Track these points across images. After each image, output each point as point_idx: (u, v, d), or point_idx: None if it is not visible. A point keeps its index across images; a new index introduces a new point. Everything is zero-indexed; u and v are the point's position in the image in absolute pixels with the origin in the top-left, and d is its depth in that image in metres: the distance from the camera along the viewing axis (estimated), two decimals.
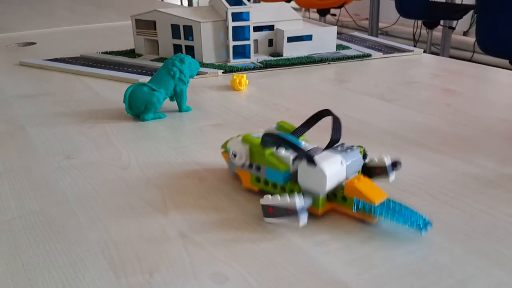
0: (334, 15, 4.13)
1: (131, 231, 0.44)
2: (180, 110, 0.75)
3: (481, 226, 0.44)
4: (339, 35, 1.23)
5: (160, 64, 1.00)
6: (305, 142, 0.50)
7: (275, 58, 1.04)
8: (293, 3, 3.29)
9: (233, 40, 1.00)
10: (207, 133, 0.67)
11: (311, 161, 0.43)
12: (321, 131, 0.57)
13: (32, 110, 0.78)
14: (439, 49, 2.99)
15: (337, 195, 0.44)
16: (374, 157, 0.49)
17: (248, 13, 0.99)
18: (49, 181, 0.54)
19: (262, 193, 0.49)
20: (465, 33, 3.52)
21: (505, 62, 1.89)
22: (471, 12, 2.85)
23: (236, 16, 0.99)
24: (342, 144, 0.47)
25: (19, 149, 0.63)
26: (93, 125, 0.70)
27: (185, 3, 4.90)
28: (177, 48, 1.04)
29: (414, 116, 0.72)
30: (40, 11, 1.97)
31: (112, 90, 0.88)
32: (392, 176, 0.48)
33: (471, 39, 3.25)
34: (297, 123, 0.53)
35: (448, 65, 1.02)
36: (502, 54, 1.84)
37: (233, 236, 0.43)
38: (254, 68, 0.98)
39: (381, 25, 3.46)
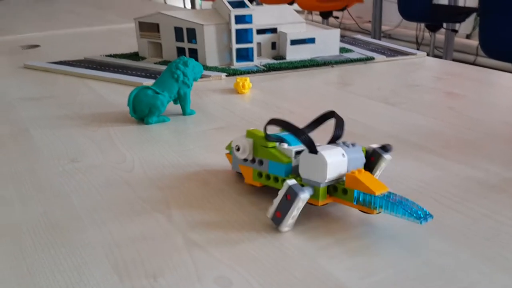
0: (336, 17, 4.13)
1: (135, 235, 0.44)
2: (183, 113, 0.75)
3: (485, 230, 0.44)
4: (342, 38, 1.23)
5: (163, 67, 1.00)
6: None
7: (278, 61, 1.04)
8: (295, 6, 3.30)
9: (236, 43, 1.00)
10: (210, 136, 0.67)
11: (312, 148, 0.43)
12: (327, 133, 0.57)
13: (36, 113, 0.78)
14: (442, 52, 2.99)
15: (338, 188, 0.44)
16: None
17: (251, 16, 0.99)
18: (54, 184, 0.54)
19: (265, 192, 0.49)
20: (468, 36, 3.52)
21: (508, 65, 1.89)
22: (474, 15, 2.84)
23: (239, 19, 0.99)
24: (345, 141, 0.47)
25: (23, 152, 0.63)
26: (97, 128, 0.71)
27: (188, 6, 4.91)
28: (180, 51, 1.04)
29: (417, 119, 0.72)
30: (44, 14, 1.97)
31: (116, 93, 0.88)
32: (388, 155, 0.48)
33: (474, 42, 3.25)
34: (300, 126, 0.53)
35: (451, 68, 1.02)
36: (505, 57, 1.84)
37: (237, 239, 0.43)
38: (257, 71, 0.99)
39: (383, 27, 3.46)
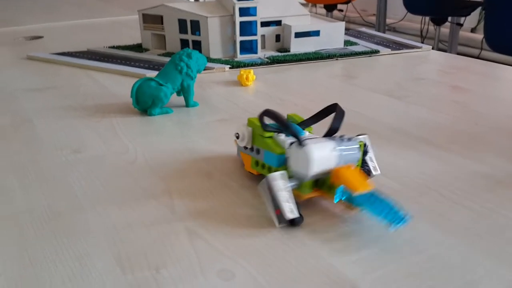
0: (341, 10, 4.11)
1: (138, 226, 0.44)
2: (187, 105, 0.75)
3: (490, 226, 0.43)
4: (347, 31, 1.22)
5: (167, 59, 1.00)
6: (309, 132, 0.50)
7: (282, 54, 1.03)
8: None
9: (240, 35, 0.99)
10: (214, 128, 0.67)
11: (299, 141, 0.43)
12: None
13: (39, 104, 0.78)
14: (446, 45, 2.98)
15: (326, 182, 0.44)
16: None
17: (255, 8, 0.99)
18: (56, 175, 0.54)
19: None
20: (473, 30, 3.50)
21: None
22: (479, 8, 2.83)
23: (244, 11, 0.98)
24: (343, 135, 0.46)
25: (26, 143, 0.63)
26: (100, 120, 0.70)
27: None
28: (184, 43, 1.04)
29: (422, 113, 0.71)
30: (47, 5, 1.97)
31: (119, 84, 0.88)
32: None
33: (479, 36, 3.23)
34: (304, 118, 0.53)
35: (456, 62, 1.01)
36: (510, 51, 1.83)
37: (240, 232, 0.42)
38: (261, 63, 0.98)
39: (388, 21, 3.44)
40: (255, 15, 0.99)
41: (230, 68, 0.96)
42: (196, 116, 0.71)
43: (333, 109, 0.48)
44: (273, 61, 0.99)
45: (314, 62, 1.01)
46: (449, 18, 2.77)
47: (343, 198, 0.42)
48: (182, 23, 1.02)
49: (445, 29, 3.01)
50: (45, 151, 0.60)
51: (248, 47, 1.04)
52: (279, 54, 1.03)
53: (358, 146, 0.46)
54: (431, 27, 3.48)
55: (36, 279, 0.37)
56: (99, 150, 0.60)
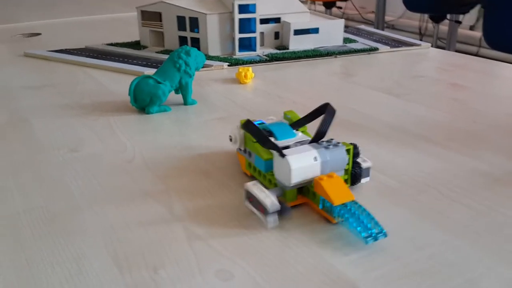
0: (340, 8, 4.10)
1: (136, 226, 0.43)
2: (185, 103, 0.74)
3: (489, 224, 0.43)
4: (346, 28, 1.22)
5: (165, 56, 0.99)
6: (302, 133, 0.50)
7: (281, 51, 1.03)
8: None
9: (239, 32, 0.99)
10: (212, 126, 0.66)
11: (280, 152, 0.43)
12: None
13: (36, 102, 0.77)
14: (445, 43, 2.97)
15: (310, 190, 0.44)
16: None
17: (254, 5, 0.98)
18: (54, 174, 0.53)
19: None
20: (471, 28, 3.49)
21: (511, 57, 1.87)
22: (478, 6, 2.82)
23: (243, 8, 0.98)
24: (331, 139, 0.46)
25: (23, 142, 0.62)
26: (98, 118, 0.70)
27: None
28: (182, 40, 1.03)
29: (421, 110, 0.71)
30: (45, 2, 1.96)
31: (117, 82, 0.87)
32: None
33: (477, 33, 3.23)
34: (301, 116, 0.53)
35: (455, 59, 1.01)
36: (509, 49, 1.82)
37: (239, 232, 0.42)
38: (260, 61, 0.98)
39: (387, 18, 3.43)
40: (254, 12, 0.99)
41: (228, 65, 0.96)
42: (194, 114, 0.71)
43: (324, 109, 0.47)
44: (272, 58, 0.98)
45: (313, 60, 1.01)
46: (448, 16, 2.77)
47: (326, 205, 0.43)
48: (180, 20, 1.02)
49: (443, 26, 3.01)
50: (42, 150, 0.60)
51: (247, 44, 1.03)
52: (278, 51, 1.03)
53: (345, 151, 0.45)
54: (430, 25, 3.48)
55: (33, 280, 0.37)
56: (97, 148, 0.60)
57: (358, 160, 0.48)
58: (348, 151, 0.46)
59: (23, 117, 0.71)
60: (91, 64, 0.98)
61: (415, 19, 3.72)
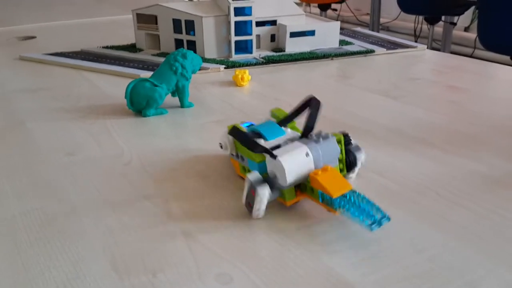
0: (335, 10, 4.11)
1: (134, 230, 0.43)
2: (182, 106, 0.74)
3: (489, 226, 0.43)
4: (342, 30, 1.22)
5: (161, 59, 0.99)
6: (291, 129, 0.50)
7: (278, 54, 1.03)
8: None
9: (235, 35, 0.99)
10: (209, 129, 0.66)
11: (271, 154, 0.43)
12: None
13: (32, 105, 0.77)
14: (440, 44, 2.98)
15: (307, 185, 0.44)
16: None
17: (250, 7, 0.98)
18: (50, 178, 0.53)
19: None
20: (466, 29, 3.50)
21: (506, 58, 1.88)
22: (472, 8, 2.83)
23: (239, 11, 0.98)
24: (320, 132, 0.46)
25: (19, 146, 0.62)
26: (94, 121, 0.70)
27: None
28: (178, 43, 1.03)
29: (418, 113, 0.71)
30: (40, 4, 1.95)
31: (113, 85, 0.87)
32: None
33: (472, 34, 3.24)
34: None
35: (451, 61, 1.01)
36: (504, 50, 1.83)
37: (238, 235, 0.42)
38: (256, 63, 0.97)
39: (382, 20, 3.44)
40: (250, 14, 0.99)
41: (225, 68, 0.95)
42: (191, 117, 0.71)
43: (309, 103, 0.48)
44: (268, 61, 0.98)
45: (309, 62, 1.01)
46: (443, 17, 2.77)
47: (325, 198, 0.42)
48: (176, 23, 1.01)
49: (438, 28, 3.02)
50: (38, 154, 0.60)
51: (243, 47, 1.03)
52: (274, 54, 1.03)
53: (335, 142, 0.45)
54: (425, 26, 3.49)
55: (30, 285, 0.36)
56: (93, 152, 0.60)
57: (352, 146, 0.48)
58: (339, 141, 0.46)
59: (19, 120, 0.71)
60: (87, 67, 0.98)
61: (410, 21, 3.73)
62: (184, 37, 1.01)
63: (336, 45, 1.09)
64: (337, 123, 0.67)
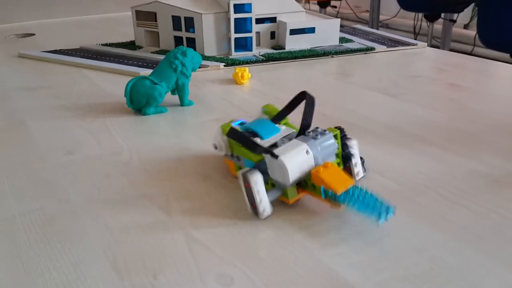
0: (334, 7, 4.10)
1: (134, 230, 0.43)
2: (182, 104, 0.74)
3: (489, 226, 0.43)
4: (341, 27, 1.21)
5: (161, 57, 0.99)
6: (286, 126, 0.50)
7: (278, 51, 1.03)
8: None
9: (235, 32, 0.99)
10: (209, 127, 0.66)
11: (272, 154, 0.43)
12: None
13: (32, 103, 0.77)
14: (439, 42, 2.98)
15: (308, 182, 0.44)
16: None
17: (250, 4, 0.98)
18: (50, 177, 0.53)
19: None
20: (465, 26, 3.50)
21: (506, 55, 1.87)
22: (472, 5, 2.83)
23: (238, 8, 0.97)
24: (316, 128, 0.46)
25: (19, 144, 0.62)
26: (94, 119, 0.69)
27: None
28: (178, 40, 1.03)
29: (418, 111, 0.71)
30: (38, 1, 1.95)
31: (112, 83, 0.87)
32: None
33: (472, 32, 3.23)
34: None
35: (451, 59, 1.01)
36: (503, 48, 1.83)
37: (239, 236, 0.42)
38: (256, 61, 0.97)
39: (381, 17, 3.43)
40: (250, 11, 0.98)
41: (224, 66, 0.95)
42: (191, 115, 0.71)
43: (302, 98, 0.47)
44: (268, 58, 0.98)
45: (309, 60, 1.00)
46: (442, 15, 2.77)
47: (328, 194, 0.42)
48: (176, 20, 1.01)
49: (438, 25, 3.01)
50: (37, 152, 0.59)
51: (243, 44, 1.03)
52: (274, 51, 1.03)
53: (333, 138, 0.45)
54: (424, 24, 3.48)
55: (30, 286, 0.36)
56: (93, 151, 0.59)
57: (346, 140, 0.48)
58: (335, 136, 0.46)
59: (18, 118, 0.70)
60: (86, 64, 0.97)
61: (410, 18, 3.72)
62: (183, 34, 1.01)
63: (336, 42, 1.09)
64: (336, 121, 0.67)
